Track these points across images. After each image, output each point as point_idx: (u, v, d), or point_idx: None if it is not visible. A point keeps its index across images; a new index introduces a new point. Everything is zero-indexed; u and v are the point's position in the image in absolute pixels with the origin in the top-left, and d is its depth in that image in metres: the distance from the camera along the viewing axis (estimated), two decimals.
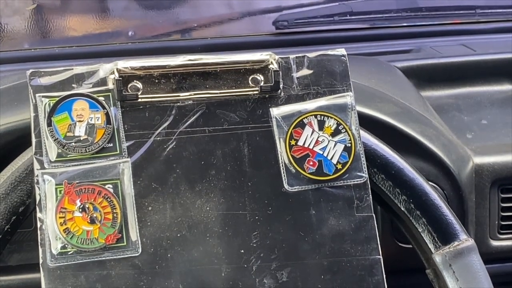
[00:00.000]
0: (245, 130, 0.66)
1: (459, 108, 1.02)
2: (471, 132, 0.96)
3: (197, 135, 0.65)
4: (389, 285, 0.66)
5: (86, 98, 0.63)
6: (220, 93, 0.66)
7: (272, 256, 0.64)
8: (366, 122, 0.71)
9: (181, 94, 0.65)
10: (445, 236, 0.67)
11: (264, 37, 1.15)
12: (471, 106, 1.03)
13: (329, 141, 0.66)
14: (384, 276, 0.66)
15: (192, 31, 1.18)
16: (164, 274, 0.63)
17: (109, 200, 0.62)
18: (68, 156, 0.63)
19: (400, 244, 0.86)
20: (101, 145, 0.63)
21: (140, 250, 0.62)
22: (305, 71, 0.67)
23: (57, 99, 0.63)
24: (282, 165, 0.66)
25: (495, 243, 0.89)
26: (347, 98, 0.67)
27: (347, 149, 0.66)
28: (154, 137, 0.64)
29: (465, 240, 0.67)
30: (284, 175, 0.65)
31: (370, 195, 0.66)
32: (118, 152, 0.64)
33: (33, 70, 0.64)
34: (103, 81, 0.64)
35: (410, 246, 0.71)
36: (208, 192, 0.65)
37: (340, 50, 0.69)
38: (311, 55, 0.68)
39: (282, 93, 0.67)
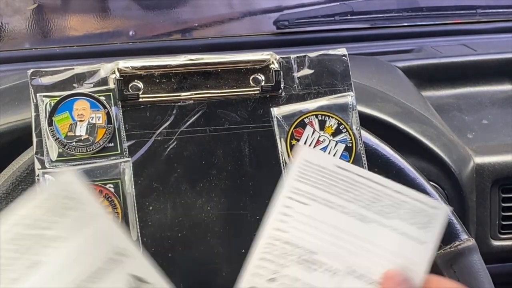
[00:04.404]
0: (246, 129, 0.66)
1: (460, 108, 1.02)
2: (472, 132, 0.96)
3: (198, 134, 0.65)
4: None
5: (87, 98, 0.63)
6: (221, 93, 0.66)
7: None
8: (367, 122, 0.71)
9: (182, 94, 0.65)
10: (446, 236, 0.66)
11: (265, 37, 1.15)
12: (472, 106, 1.03)
13: (330, 141, 0.66)
14: None
15: (193, 30, 1.18)
16: (165, 274, 0.63)
17: (110, 199, 0.62)
18: (69, 155, 0.63)
19: None
20: (102, 144, 0.63)
21: (141, 250, 0.62)
22: (306, 71, 0.67)
23: (58, 98, 0.63)
24: (283, 164, 0.66)
25: (496, 243, 0.89)
26: (348, 98, 0.67)
27: (348, 149, 0.66)
28: (155, 136, 0.64)
29: (466, 240, 0.67)
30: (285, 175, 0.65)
31: None
32: (119, 151, 0.64)
33: (34, 69, 0.64)
34: (104, 81, 0.64)
35: None
36: (209, 192, 0.65)
37: (341, 50, 0.69)
38: (312, 54, 0.68)
39: (283, 93, 0.67)
